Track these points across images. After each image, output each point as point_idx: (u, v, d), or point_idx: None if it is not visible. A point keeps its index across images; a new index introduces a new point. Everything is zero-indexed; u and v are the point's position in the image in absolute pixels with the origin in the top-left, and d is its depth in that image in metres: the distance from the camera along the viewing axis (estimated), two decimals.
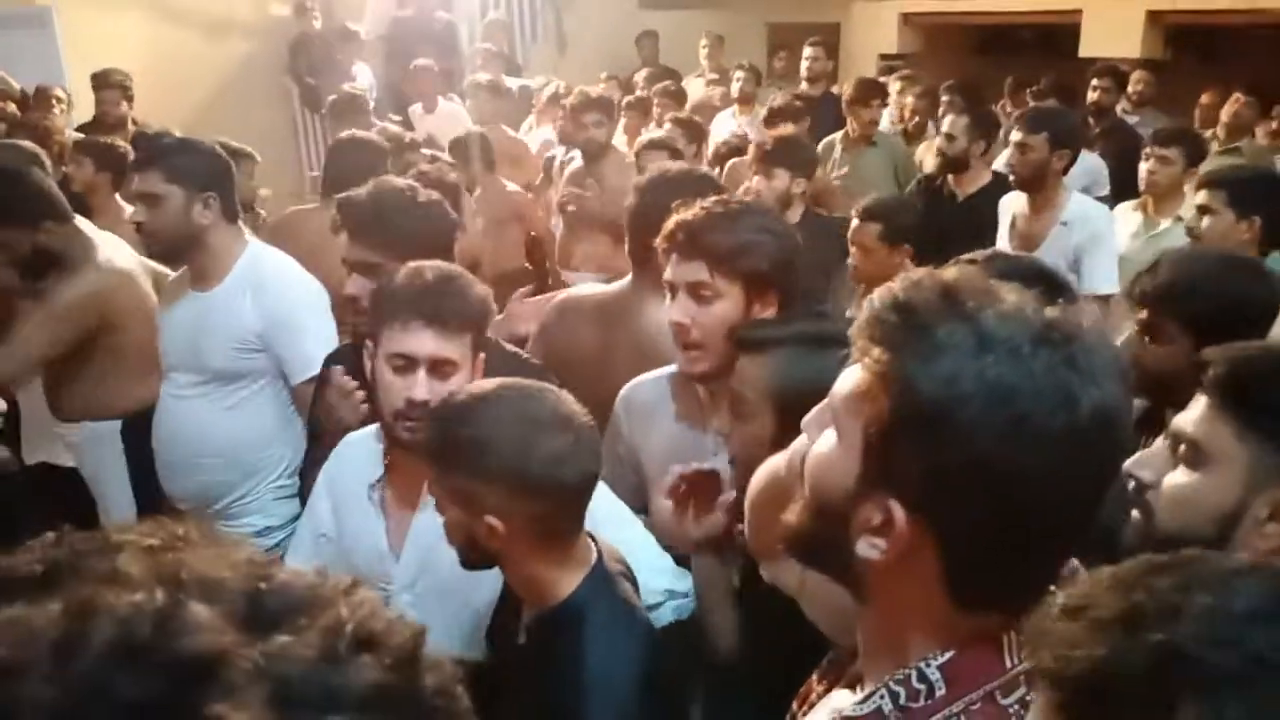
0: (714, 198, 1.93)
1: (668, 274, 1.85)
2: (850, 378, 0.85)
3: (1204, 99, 5.96)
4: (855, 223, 3.28)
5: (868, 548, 0.83)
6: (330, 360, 2.30)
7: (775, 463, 0.97)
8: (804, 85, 6.46)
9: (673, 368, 2.00)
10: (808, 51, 6.52)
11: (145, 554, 0.49)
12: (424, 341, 1.69)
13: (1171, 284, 1.88)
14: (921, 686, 0.84)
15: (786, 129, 4.57)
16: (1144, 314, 1.93)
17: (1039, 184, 3.60)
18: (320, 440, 2.18)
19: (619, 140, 5.18)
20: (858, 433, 0.83)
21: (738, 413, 1.56)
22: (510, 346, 2.27)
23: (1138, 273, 2.03)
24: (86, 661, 0.44)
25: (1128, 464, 1.36)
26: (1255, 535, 1.18)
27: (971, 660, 0.84)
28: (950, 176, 4.25)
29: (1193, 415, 1.29)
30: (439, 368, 1.70)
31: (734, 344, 1.65)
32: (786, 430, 1.40)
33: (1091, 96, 5.72)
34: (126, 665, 0.44)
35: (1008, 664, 0.84)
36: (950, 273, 0.84)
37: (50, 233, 2.82)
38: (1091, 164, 4.65)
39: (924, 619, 0.86)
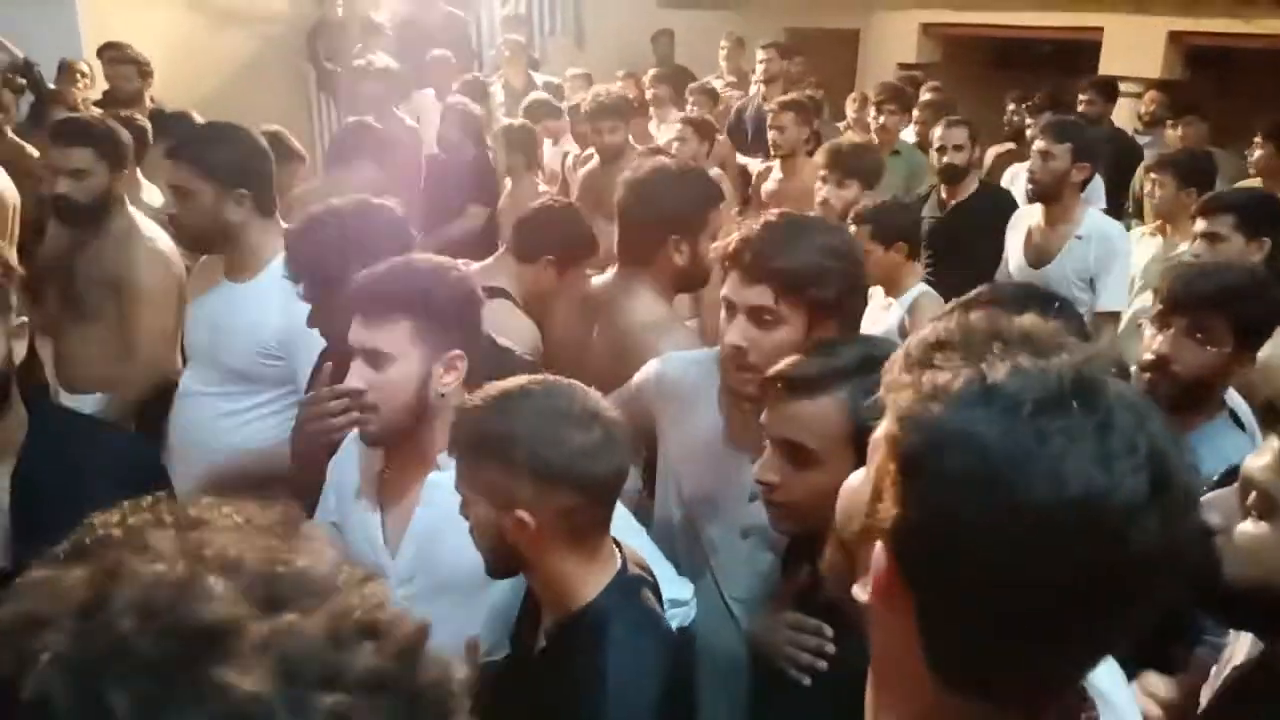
0: (778, 212, 1.82)
1: (727, 292, 1.76)
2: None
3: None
4: (850, 229, 3.24)
5: (860, 589, 0.81)
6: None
7: (854, 480, 0.94)
8: (760, 88, 6.30)
9: (715, 351, 1.90)
10: (760, 54, 6.30)
11: (174, 531, 0.54)
12: (357, 331, 1.68)
13: (1231, 287, 1.94)
14: None
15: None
16: (1190, 316, 1.92)
17: (1056, 194, 3.60)
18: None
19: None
20: (874, 470, 0.81)
21: (796, 462, 1.44)
22: (503, 341, 2.17)
23: (1176, 275, 2.03)
24: (107, 619, 0.48)
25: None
26: None
27: None
28: (944, 186, 4.26)
29: (1264, 461, 1.21)
30: (370, 358, 1.67)
31: (780, 388, 1.48)
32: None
33: (1079, 110, 5.73)
34: (144, 626, 0.48)
35: None
36: (997, 316, 0.80)
37: (121, 181, 2.96)
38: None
39: (903, 683, 0.81)
